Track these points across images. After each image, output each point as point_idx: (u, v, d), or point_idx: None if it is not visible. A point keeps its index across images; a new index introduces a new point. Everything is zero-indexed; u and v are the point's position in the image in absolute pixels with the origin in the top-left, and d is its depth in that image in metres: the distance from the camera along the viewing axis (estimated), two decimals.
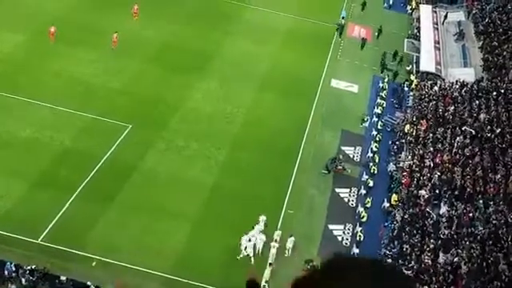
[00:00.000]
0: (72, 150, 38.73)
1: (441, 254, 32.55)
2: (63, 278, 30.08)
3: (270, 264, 32.53)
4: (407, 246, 33.60)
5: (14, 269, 30.20)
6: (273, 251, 33.27)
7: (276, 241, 33.86)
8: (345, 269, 3.01)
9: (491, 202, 35.68)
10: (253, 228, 33.71)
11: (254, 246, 33.43)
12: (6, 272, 30.17)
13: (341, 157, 42.35)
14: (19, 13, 52.60)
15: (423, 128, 44.87)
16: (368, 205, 38.11)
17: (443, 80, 52.54)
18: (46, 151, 38.05)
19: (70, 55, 48.05)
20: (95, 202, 34.75)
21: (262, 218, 34.56)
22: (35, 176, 36.04)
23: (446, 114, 45.72)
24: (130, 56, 49.68)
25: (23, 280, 30.07)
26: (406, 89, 52.73)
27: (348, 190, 40.16)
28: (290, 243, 34.15)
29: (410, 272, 31.30)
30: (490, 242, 32.41)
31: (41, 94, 42.73)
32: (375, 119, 47.40)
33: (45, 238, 32.18)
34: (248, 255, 33.30)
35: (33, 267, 30.20)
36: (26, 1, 54.79)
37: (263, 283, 30.91)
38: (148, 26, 54.58)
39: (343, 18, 64.58)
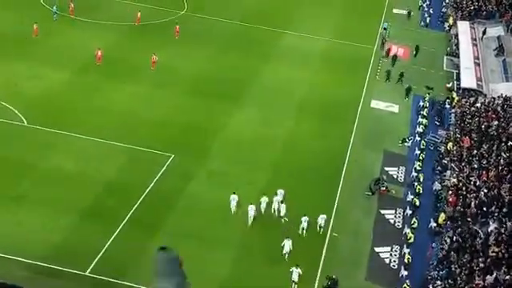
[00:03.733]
0: (117, 181, 39.27)
1: (491, 273, 31.74)
2: None
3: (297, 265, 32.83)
4: (456, 266, 32.89)
5: None
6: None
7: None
8: None
9: None
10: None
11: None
12: None
13: (384, 177, 41.94)
14: (62, 51, 53.94)
15: (466, 145, 44.18)
16: (414, 225, 37.50)
17: (485, 96, 51.82)
18: (92, 183, 38.63)
19: (111, 89, 49.04)
20: (142, 232, 35.04)
21: (280, 192, 37.80)
22: (82, 208, 36.59)
23: (489, 130, 44.97)
24: (170, 86, 50.44)
25: None
26: (447, 106, 52.10)
27: (393, 211, 39.66)
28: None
29: None
30: None
31: (84, 127, 43.57)
32: (417, 138, 46.92)
33: (93, 269, 32.53)
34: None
35: None
36: (68, 39, 56.21)
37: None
38: (186, 55, 55.43)
39: (385, 28, 64.83)
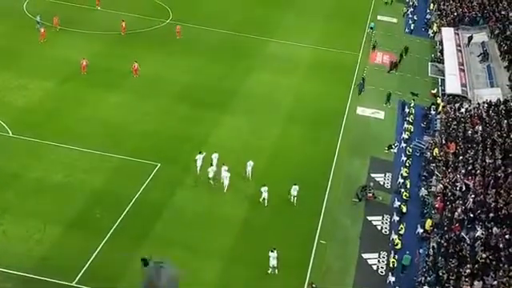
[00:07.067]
0: (103, 191, 39.01)
1: (478, 279, 31.82)
2: None
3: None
4: (443, 272, 32.93)
5: None
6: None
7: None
8: None
9: None
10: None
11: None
12: None
13: (371, 184, 42.01)
14: (47, 61, 53.78)
15: (451, 151, 44.37)
16: (401, 231, 37.59)
17: (470, 101, 52.15)
18: (79, 194, 38.36)
19: (97, 99, 48.88)
20: (129, 242, 34.81)
21: (215, 155, 40.79)
22: (68, 218, 36.27)
23: (475, 136, 45.18)
24: (156, 94, 50.36)
25: None
26: (432, 112, 52.37)
27: (380, 218, 39.73)
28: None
29: None
30: None
31: (70, 137, 43.34)
32: (403, 144, 47.09)
33: (79, 280, 32.23)
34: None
35: None
36: (53, 49, 56.03)
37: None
38: (172, 63, 55.41)
39: (371, 28, 65.84)
